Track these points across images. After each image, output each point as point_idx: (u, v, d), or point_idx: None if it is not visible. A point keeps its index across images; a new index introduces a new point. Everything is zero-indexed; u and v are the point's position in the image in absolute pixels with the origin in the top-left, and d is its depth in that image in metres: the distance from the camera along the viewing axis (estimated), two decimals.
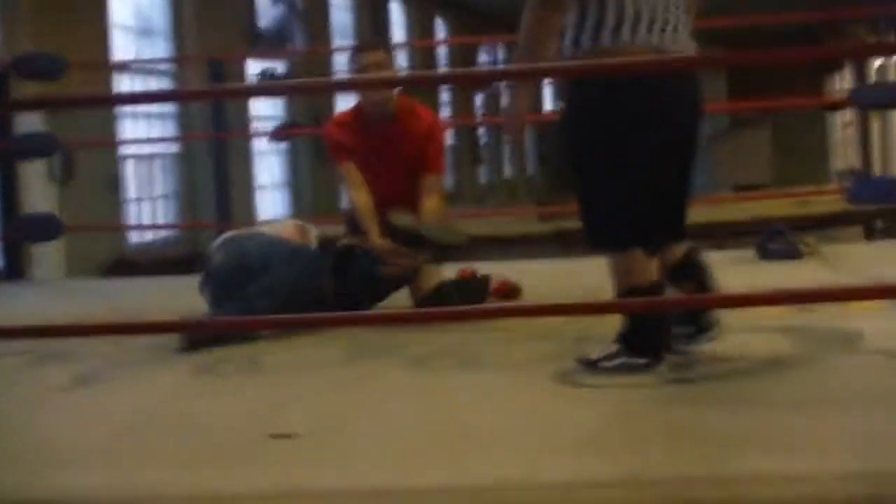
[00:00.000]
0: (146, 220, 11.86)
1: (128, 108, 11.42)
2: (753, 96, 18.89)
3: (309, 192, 15.08)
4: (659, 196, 3.98)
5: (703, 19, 4.37)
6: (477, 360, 4.40)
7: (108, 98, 9.10)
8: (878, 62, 22.15)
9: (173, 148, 12.60)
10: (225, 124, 10.54)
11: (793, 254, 6.70)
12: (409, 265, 5.38)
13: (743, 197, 14.42)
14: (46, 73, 7.87)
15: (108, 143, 10.67)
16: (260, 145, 14.32)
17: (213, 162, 11.08)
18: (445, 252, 5.50)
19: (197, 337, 4.79)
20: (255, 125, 14.01)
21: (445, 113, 21.74)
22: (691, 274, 4.16)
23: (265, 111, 14.71)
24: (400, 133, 5.53)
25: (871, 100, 8.01)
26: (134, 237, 11.61)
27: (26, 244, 8.63)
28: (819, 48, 8.00)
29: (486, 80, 21.66)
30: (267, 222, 6.50)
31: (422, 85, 19.31)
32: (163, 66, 12.51)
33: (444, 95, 21.60)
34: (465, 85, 21.81)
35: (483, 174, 24.26)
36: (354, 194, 5.56)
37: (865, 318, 4.60)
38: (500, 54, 24.59)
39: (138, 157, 11.79)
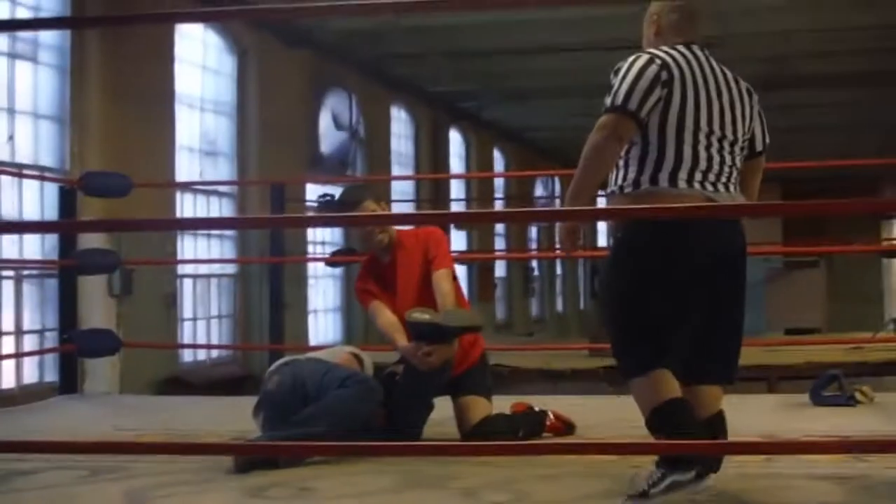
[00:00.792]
0: (200, 339, 11.95)
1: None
2: (809, 238, 18.89)
3: (361, 318, 15.13)
4: (679, 336, 4.14)
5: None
6: (527, 496, 4.37)
7: (171, 221, 9.26)
8: None
9: (230, 269, 12.76)
10: (282, 247, 10.66)
11: (847, 401, 6.62)
12: (440, 357, 5.42)
13: (796, 341, 14.29)
14: (113, 192, 8.06)
15: (168, 262, 10.83)
16: (315, 269, 14.47)
17: (269, 284, 11.18)
18: (465, 333, 5.56)
19: (249, 459, 4.81)
20: (312, 249, 14.18)
21: (500, 245, 21.87)
22: (711, 435, 4.20)
23: (322, 236, 14.90)
24: (407, 256, 5.80)
25: None
26: (187, 355, 11.70)
27: (82, 358, 8.72)
28: (876, 200, 8.01)
29: (531, 219, 21.77)
30: (322, 348, 6.55)
31: (476, 221, 19.54)
32: (225, 188, 12.73)
33: (499, 227, 21.74)
34: (516, 222, 21.95)
35: (535, 307, 24.26)
36: (378, 319, 5.76)
37: None
38: (557, 187, 24.78)
39: (196, 276, 11.95)
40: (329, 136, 14.76)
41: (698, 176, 4.13)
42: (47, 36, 9.74)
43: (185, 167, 11.69)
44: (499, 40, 14.40)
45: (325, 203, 12.60)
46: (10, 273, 9.34)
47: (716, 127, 4.19)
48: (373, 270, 5.91)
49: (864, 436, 4.91)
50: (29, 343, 9.51)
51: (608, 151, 4.13)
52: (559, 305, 25.67)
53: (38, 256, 9.46)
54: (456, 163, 20.33)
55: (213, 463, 4.91)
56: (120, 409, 7.61)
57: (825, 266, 23.29)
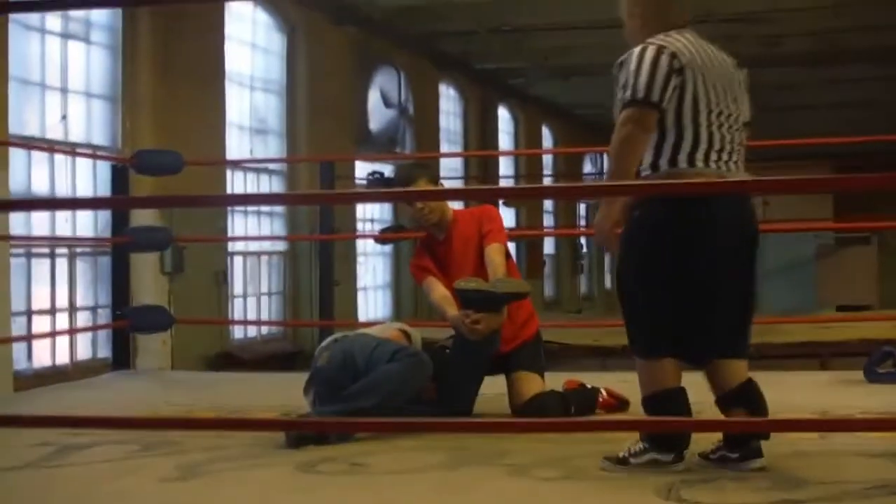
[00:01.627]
0: (251, 316, 12.03)
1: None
2: (860, 214, 18.66)
3: (410, 295, 15.17)
4: (698, 315, 4.22)
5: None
6: (580, 472, 4.35)
7: (222, 198, 9.29)
8: None
9: (280, 246, 12.81)
10: (331, 225, 10.69)
11: None
12: (488, 325, 5.41)
13: (849, 317, 14.15)
14: (165, 169, 8.10)
15: (219, 239, 10.89)
16: (364, 246, 14.50)
17: (319, 261, 11.23)
18: (512, 300, 5.54)
19: (300, 435, 4.83)
20: (362, 227, 14.21)
21: (548, 221, 21.80)
22: (744, 403, 4.25)
23: (372, 213, 14.93)
24: (462, 233, 5.82)
25: None
26: (237, 332, 11.77)
27: (135, 334, 8.80)
28: None
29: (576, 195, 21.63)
30: (372, 325, 6.56)
31: (520, 197, 19.43)
32: (275, 165, 12.77)
33: (548, 204, 21.68)
34: (562, 198, 21.85)
35: (583, 284, 24.20)
36: (431, 294, 5.79)
37: None
38: (605, 164, 24.65)
39: (246, 254, 12.02)
40: (378, 114, 14.76)
41: (713, 156, 4.23)
42: (99, 16, 9.81)
43: (236, 145, 11.75)
44: (547, 16, 14.33)
45: (375, 180, 12.63)
46: (64, 250, 9.42)
47: (723, 106, 4.28)
48: (428, 248, 5.94)
49: None
50: (82, 319, 9.62)
51: (638, 144, 4.22)
52: (607, 282, 25.58)
53: (91, 234, 9.55)
54: (504, 140, 20.30)
55: (264, 438, 4.93)
56: (171, 384, 7.68)
57: (877, 242, 23.04)
